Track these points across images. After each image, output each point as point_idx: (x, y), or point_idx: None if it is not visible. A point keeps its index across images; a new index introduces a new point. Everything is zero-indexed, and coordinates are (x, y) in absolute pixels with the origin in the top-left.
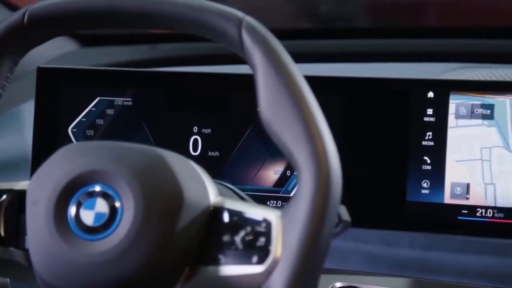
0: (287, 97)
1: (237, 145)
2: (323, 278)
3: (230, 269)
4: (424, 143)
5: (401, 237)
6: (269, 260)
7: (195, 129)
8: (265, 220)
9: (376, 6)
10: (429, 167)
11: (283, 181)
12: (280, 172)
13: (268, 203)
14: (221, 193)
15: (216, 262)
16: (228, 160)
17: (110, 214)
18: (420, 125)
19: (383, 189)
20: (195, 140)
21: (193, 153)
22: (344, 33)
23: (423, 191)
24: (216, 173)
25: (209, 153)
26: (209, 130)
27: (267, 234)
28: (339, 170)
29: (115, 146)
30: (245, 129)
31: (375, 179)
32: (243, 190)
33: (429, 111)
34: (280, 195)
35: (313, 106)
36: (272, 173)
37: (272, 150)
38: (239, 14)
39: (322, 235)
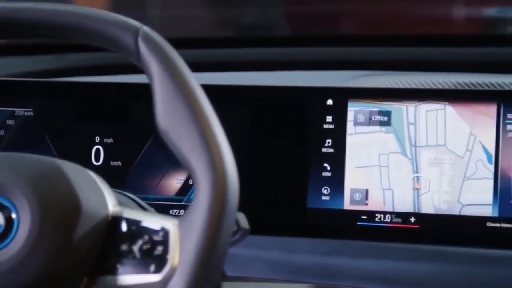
0: (183, 106)
1: (139, 155)
2: (226, 286)
3: (128, 279)
4: (324, 150)
5: (302, 243)
6: (166, 269)
7: (97, 139)
8: (162, 229)
9: (280, 15)
10: (329, 174)
11: (186, 190)
12: (182, 181)
13: (171, 212)
14: (120, 203)
15: (114, 272)
16: (131, 169)
17: (6, 225)
18: (319, 132)
19: (284, 196)
20: (97, 150)
21: (95, 163)
22: (248, 42)
23: (324, 198)
24: (118, 182)
25: (112, 163)
26: (111, 140)
27: (165, 242)
28: (236, 178)
29: (11, 157)
30: (147, 138)
31: (276, 186)
32: (146, 199)
33: (328, 119)
34: (182, 203)
35: (209, 114)
36: (174, 182)
37: (174, 159)
38: (136, 23)
39: (219, 243)
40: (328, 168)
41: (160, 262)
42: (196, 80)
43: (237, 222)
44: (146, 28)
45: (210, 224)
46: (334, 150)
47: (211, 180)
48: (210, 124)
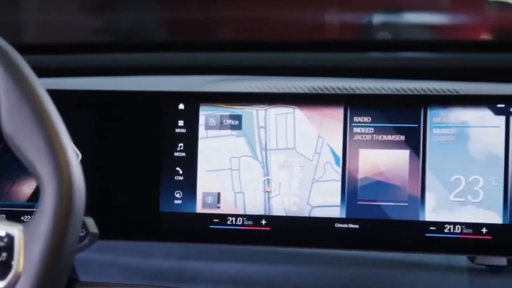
0: (28, 111)
1: None
2: None
3: None
4: (176, 154)
5: (157, 247)
6: (10, 275)
7: None
8: (7, 235)
9: (135, 20)
10: (181, 178)
11: (37, 196)
12: (33, 187)
13: (23, 218)
14: None
15: None
16: None
17: None
18: (172, 137)
19: (137, 201)
20: None
21: None
22: (100, 47)
23: (176, 202)
24: None
25: None
26: None
27: (9, 248)
28: (82, 184)
29: None
30: None
31: (129, 191)
32: None
33: (180, 123)
34: (34, 209)
35: (54, 120)
36: (26, 188)
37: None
38: None
39: (65, 248)
40: (181, 172)
41: (4, 268)
42: (42, 86)
43: (85, 227)
44: None
45: (55, 229)
46: (186, 154)
47: (56, 186)
48: (55, 130)
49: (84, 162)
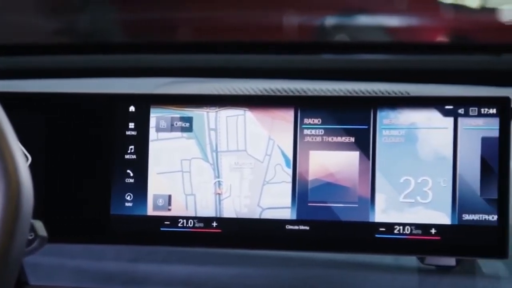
0: None
1: None
2: None
3: None
4: (127, 156)
5: (107, 250)
6: None
7: None
8: None
9: (87, 22)
10: (132, 180)
11: None
12: None
13: None
14: None
15: None
16: None
17: None
18: (122, 139)
19: (88, 204)
20: None
21: None
22: (52, 49)
23: (127, 204)
24: None
25: None
26: None
27: None
28: (29, 186)
29: None
30: None
31: (79, 194)
32: None
33: (131, 125)
34: None
35: (2, 122)
36: None
37: None
38: None
39: (12, 252)
40: (131, 174)
41: None
42: None
43: (34, 230)
44: None
45: (2, 233)
46: (137, 156)
47: (3, 188)
48: (2, 132)
49: (34, 165)
